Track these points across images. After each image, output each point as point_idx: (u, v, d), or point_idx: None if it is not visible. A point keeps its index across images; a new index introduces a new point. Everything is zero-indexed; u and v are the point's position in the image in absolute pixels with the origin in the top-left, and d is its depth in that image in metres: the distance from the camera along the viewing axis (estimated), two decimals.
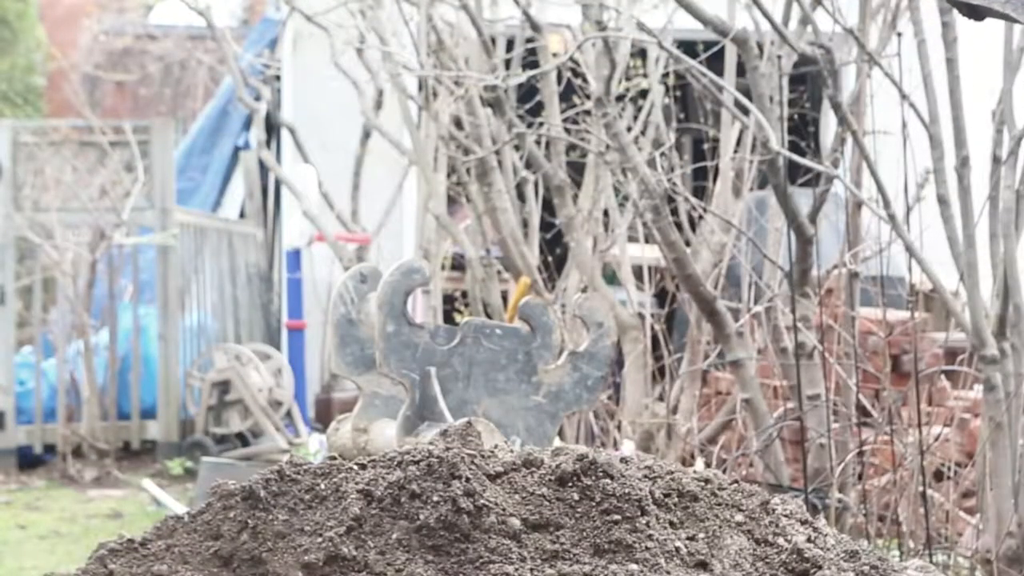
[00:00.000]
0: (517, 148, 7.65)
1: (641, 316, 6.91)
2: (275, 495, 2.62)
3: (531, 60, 7.50)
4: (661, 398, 7.03)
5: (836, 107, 5.06)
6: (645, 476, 2.75)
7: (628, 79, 7.43)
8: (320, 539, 2.55)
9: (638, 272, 7.53)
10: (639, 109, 7.42)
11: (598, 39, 5.97)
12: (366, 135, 10.21)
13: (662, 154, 6.38)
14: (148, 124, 10.61)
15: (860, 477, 5.72)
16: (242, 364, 10.08)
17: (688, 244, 6.44)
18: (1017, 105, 4.46)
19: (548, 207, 7.52)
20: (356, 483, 2.64)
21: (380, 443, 3.67)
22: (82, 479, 9.65)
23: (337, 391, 10.73)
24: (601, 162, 7.06)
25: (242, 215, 12.45)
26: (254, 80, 11.14)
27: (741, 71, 5.66)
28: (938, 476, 5.91)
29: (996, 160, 4.46)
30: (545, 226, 7.88)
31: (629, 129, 6.96)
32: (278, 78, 11.81)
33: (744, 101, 5.16)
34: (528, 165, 7.68)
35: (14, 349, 10.21)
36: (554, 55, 7.17)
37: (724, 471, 5.50)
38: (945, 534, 5.52)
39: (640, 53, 7.55)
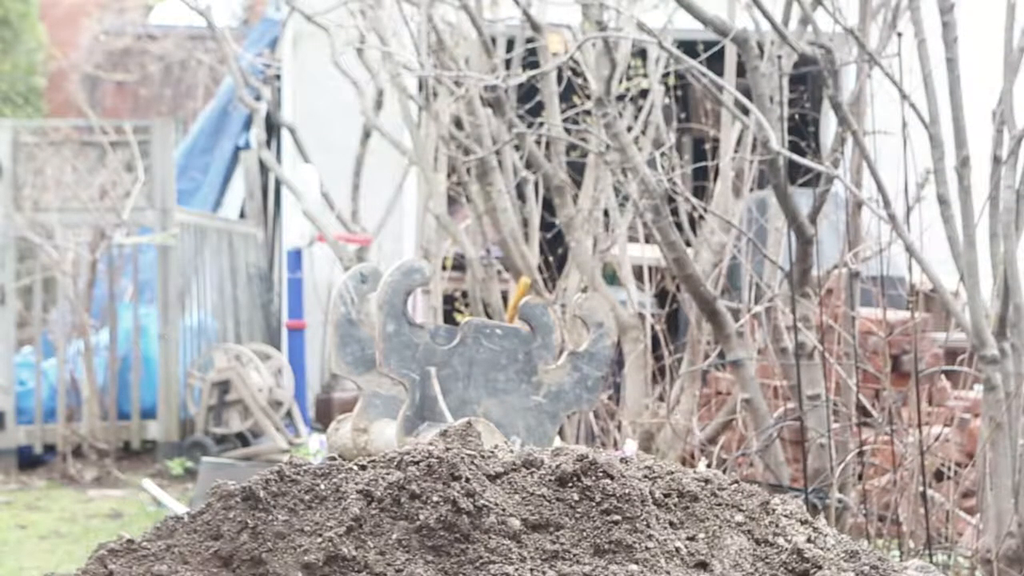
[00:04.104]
0: (517, 148, 7.65)
1: (641, 316, 6.91)
2: (275, 495, 2.63)
3: (531, 60, 7.50)
4: (661, 398, 7.03)
5: (836, 107, 5.05)
6: (645, 476, 2.75)
7: (628, 79, 7.42)
8: (320, 539, 2.55)
9: (638, 272, 7.53)
10: (639, 109, 7.42)
11: (598, 39, 5.97)
12: (366, 135, 10.21)
13: (662, 154, 6.38)
14: (148, 124, 10.61)
15: (860, 477, 5.72)
16: (242, 364, 10.08)
17: (688, 244, 6.44)
18: (1017, 105, 4.46)
19: (548, 207, 7.52)
20: (356, 483, 2.64)
21: (380, 443, 3.67)
22: (82, 479, 9.65)
23: (337, 391, 10.73)
24: (601, 162, 7.06)
25: (242, 215, 12.45)
26: (254, 80, 11.14)
27: (741, 71, 5.66)
28: (938, 476, 5.91)
29: (996, 160, 4.46)
30: (545, 226, 7.88)
31: (629, 129, 6.96)
32: (278, 78, 11.81)
33: (744, 101, 5.16)
34: (528, 165, 7.68)
35: (14, 349, 10.21)
36: (554, 55, 7.17)
37: (724, 471, 5.50)
38: (945, 534, 5.52)
39: (640, 53, 7.55)
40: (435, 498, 2.57)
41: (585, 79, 6.96)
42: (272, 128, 11.66)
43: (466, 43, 7.89)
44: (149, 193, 10.14)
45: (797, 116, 7.10)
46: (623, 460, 2.78)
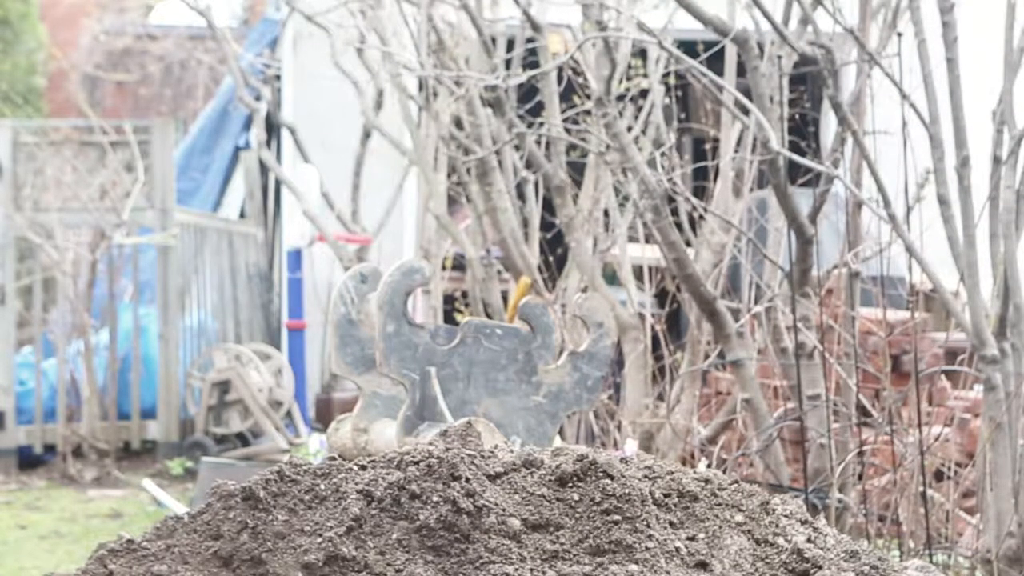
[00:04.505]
0: (517, 148, 7.65)
1: (641, 316, 6.91)
2: (275, 495, 2.62)
3: (531, 60, 7.50)
4: (661, 398, 7.03)
5: (836, 107, 5.05)
6: (645, 476, 2.75)
7: (628, 79, 7.43)
8: (320, 539, 2.55)
9: (638, 272, 7.53)
10: (639, 109, 7.42)
11: (598, 39, 5.96)
12: (366, 135, 10.21)
13: (662, 154, 6.38)
14: (148, 124, 10.61)
15: (860, 477, 5.72)
16: (242, 364, 10.08)
17: (688, 244, 6.44)
18: (1017, 105, 4.46)
19: (548, 207, 7.52)
20: (356, 483, 2.64)
21: (380, 443, 3.67)
22: (82, 479, 9.65)
23: (337, 391, 10.74)
24: (601, 162, 7.06)
25: (242, 215, 12.45)
26: (254, 80, 11.14)
27: (741, 71, 5.66)
28: (938, 476, 5.91)
29: (996, 160, 4.46)
30: (545, 226, 7.88)
31: (629, 129, 6.96)
32: (278, 78, 11.81)
33: (744, 101, 5.16)
34: (528, 165, 7.68)
35: (14, 349, 10.21)
36: (554, 55, 7.17)
37: (724, 471, 5.50)
38: (945, 534, 5.52)
39: (640, 53, 7.55)
40: (435, 498, 2.57)
41: (585, 79, 6.96)
42: (272, 128, 11.66)
43: (466, 43, 7.89)
44: (149, 193, 10.14)
45: (797, 116, 7.10)
46: (623, 460, 2.78)
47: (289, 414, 10.11)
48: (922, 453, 5.06)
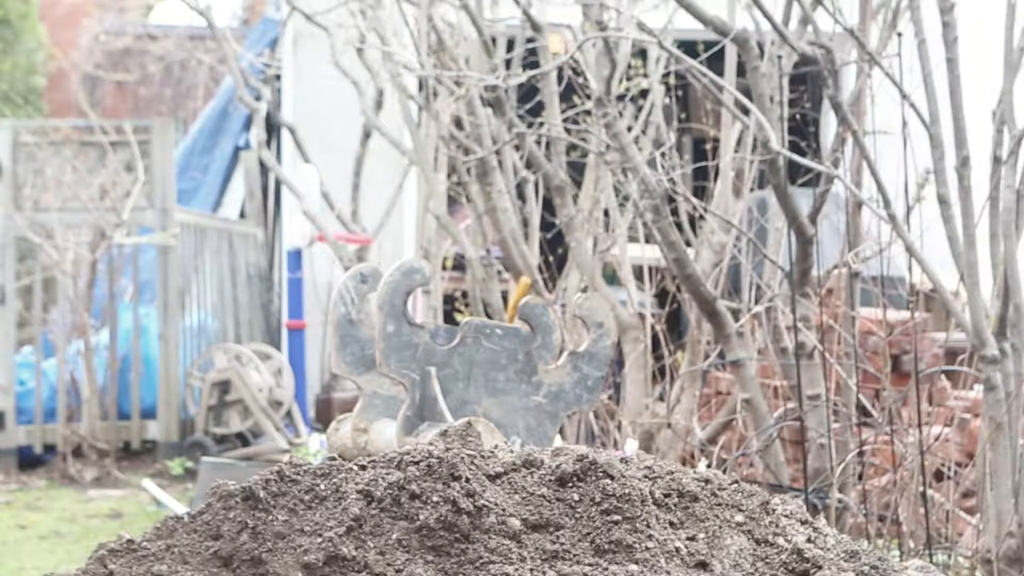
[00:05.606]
0: (517, 148, 7.65)
1: (641, 316, 6.91)
2: (275, 495, 2.62)
3: (531, 60, 7.50)
4: (661, 398, 7.03)
5: (836, 107, 5.05)
6: (645, 476, 2.75)
7: (628, 79, 7.43)
8: (320, 539, 2.55)
9: (638, 272, 7.53)
10: (639, 109, 7.42)
11: (598, 39, 5.97)
12: (366, 135, 10.21)
13: (662, 154, 6.38)
14: (148, 124, 10.61)
15: (860, 477, 5.72)
16: (242, 364, 10.08)
17: (688, 244, 6.44)
18: (1017, 105, 4.46)
19: (548, 207, 7.53)
20: (356, 483, 2.64)
21: (380, 443, 3.67)
22: (82, 479, 9.65)
23: (337, 391, 10.74)
24: (601, 162, 7.06)
25: (242, 215, 12.45)
26: (254, 80, 11.14)
27: (741, 71, 5.66)
28: (938, 476, 5.91)
29: (996, 160, 4.46)
30: (545, 226, 7.88)
31: (629, 129, 6.96)
32: (278, 78, 11.81)
33: (744, 101, 5.16)
34: (528, 165, 7.68)
35: (14, 349, 10.21)
36: (554, 55, 7.17)
37: (724, 471, 5.50)
38: (945, 534, 5.52)
39: (640, 53, 7.55)
40: (435, 498, 2.57)
41: (585, 79, 6.96)
42: (272, 128, 11.66)
43: (466, 43, 7.89)
44: (149, 193, 10.14)
45: (797, 116, 7.10)
46: (623, 460, 2.78)
47: (289, 414, 10.11)
48: (922, 453, 5.06)
